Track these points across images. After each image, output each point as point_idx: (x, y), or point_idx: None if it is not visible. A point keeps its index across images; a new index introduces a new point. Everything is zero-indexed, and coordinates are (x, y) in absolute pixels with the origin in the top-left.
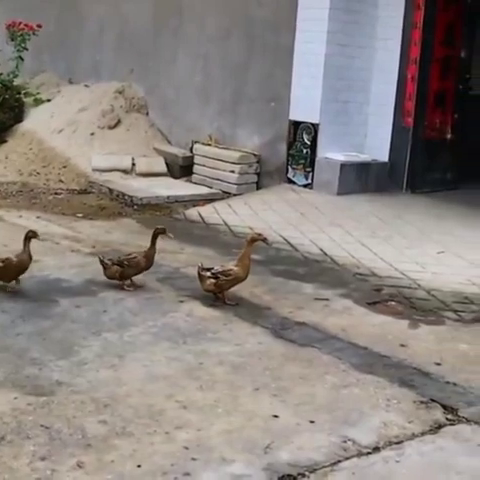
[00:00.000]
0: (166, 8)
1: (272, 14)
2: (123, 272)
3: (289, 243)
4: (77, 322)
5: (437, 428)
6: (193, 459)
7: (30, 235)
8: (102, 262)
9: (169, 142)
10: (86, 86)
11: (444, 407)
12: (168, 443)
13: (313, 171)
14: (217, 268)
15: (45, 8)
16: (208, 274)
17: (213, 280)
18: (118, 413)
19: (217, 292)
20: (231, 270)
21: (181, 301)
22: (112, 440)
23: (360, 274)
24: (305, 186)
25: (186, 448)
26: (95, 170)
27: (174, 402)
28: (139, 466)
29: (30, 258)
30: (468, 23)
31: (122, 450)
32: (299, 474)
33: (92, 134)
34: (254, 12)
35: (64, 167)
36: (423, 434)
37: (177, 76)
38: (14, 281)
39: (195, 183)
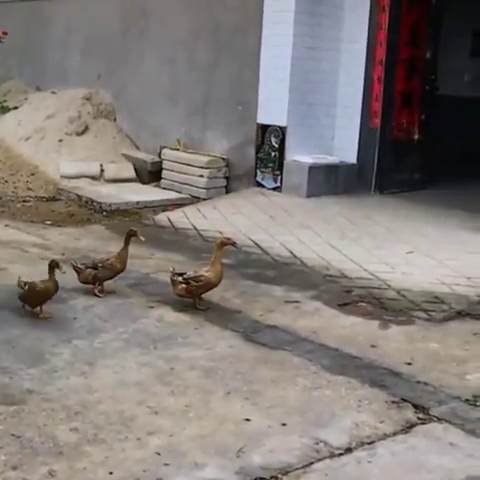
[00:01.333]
0: (132, 12)
1: (239, 17)
2: (96, 275)
3: (259, 246)
4: (47, 330)
5: (409, 428)
6: (165, 464)
7: (53, 265)
8: (75, 267)
9: (137, 147)
10: (53, 93)
11: (415, 406)
12: (140, 449)
13: (282, 174)
14: (189, 273)
15: (11, 15)
16: (180, 279)
17: (184, 285)
18: (89, 420)
19: (188, 297)
20: (202, 276)
21: (151, 307)
22: (84, 447)
23: (330, 276)
24: (274, 189)
25: (158, 454)
26: (63, 177)
27: (145, 408)
28: (111, 473)
29: (56, 287)
30: (433, 23)
31: (94, 457)
32: (272, 477)
33: (60, 141)
34: (221, 15)
35: (32, 174)
36: (395, 434)
37: (144, 81)
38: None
39: (164, 188)
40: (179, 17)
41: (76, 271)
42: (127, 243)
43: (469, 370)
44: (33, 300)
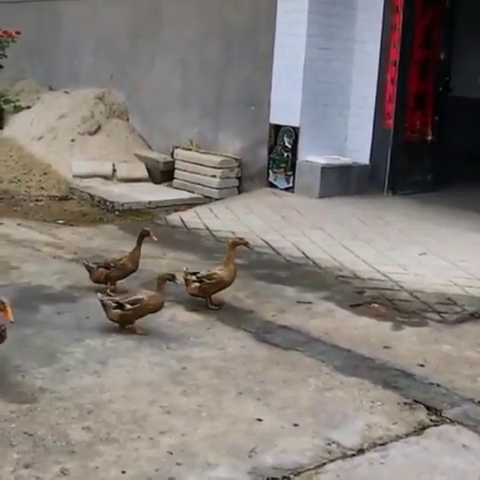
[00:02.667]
0: (144, 13)
1: (251, 18)
2: (109, 274)
3: (271, 247)
4: (59, 329)
5: (421, 429)
6: (177, 464)
7: (168, 277)
8: (87, 266)
9: (150, 147)
10: (66, 92)
11: (428, 408)
12: (152, 448)
13: (294, 174)
14: (202, 272)
15: (23, 15)
16: (193, 278)
17: (197, 284)
18: (102, 419)
19: (201, 296)
20: (215, 274)
21: (164, 307)
22: (96, 446)
23: (342, 276)
24: (286, 190)
25: (170, 453)
26: (76, 176)
27: (158, 407)
28: (124, 472)
29: (163, 301)
30: (447, 25)
31: (106, 456)
32: (284, 477)
33: (72, 140)
34: (232, 16)
35: (45, 174)
36: (407, 435)
37: (156, 81)
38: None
39: (176, 188)
40: (191, 18)
41: (88, 270)
42: (140, 243)
43: None
44: (140, 315)
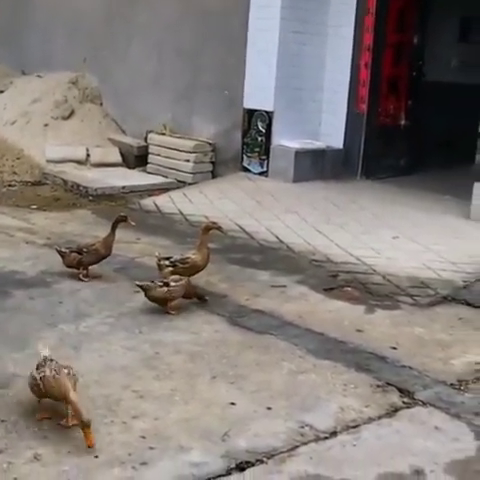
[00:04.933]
0: None
1: (225, 2)
2: (81, 260)
3: (245, 231)
4: (32, 314)
5: (393, 411)
6: (151, 448)
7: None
8: (60, 252)
9: (124, 132)
10: (39, 77)
11: (400, 391)
12: (125, 433)
13: (268, 159)
14: (176, 257)
15: None
16: (166, 263)
17: (171, 268)
18: None
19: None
20: (189, 258)
21: (137, 291)
22: (69, 431)
23: (316, 260)
24: (260, 174)
25: (143, 437)
26: (49, 161)
27: (131, 392)
28: (96, 456)
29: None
30: (420, 9)
31: (79, 441)
32: (257, 460)
33: (46, 125)
34: (207, 0)
35: (18, 159)
36: (380, 418)
37: (130, 65)
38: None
39: (150, 173)
40: (166, 1)
41: (61, 255)
42: (114, 228)
43: (454, 355)
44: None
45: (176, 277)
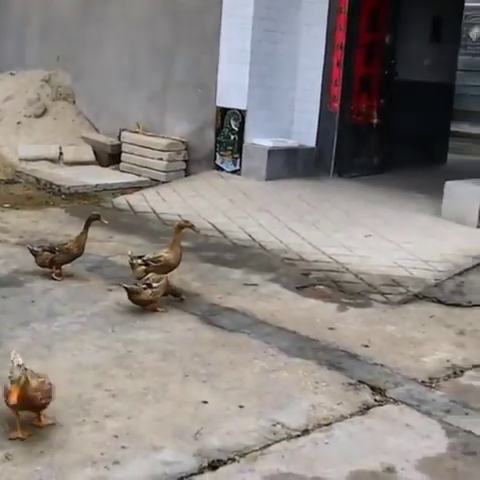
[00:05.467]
0: None
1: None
2: (53, 259)
3: (218, 229)
4: (4, 313)
5: (365, 409)
6: (123, 447)
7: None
8: (32, 250)
9: (97, 130)
10: (11, 74)
11: (372, 388)
12: (97, 432)
13: (241, 157)
14: (148, 255)
15: None
16: (139, 261)
17: (143, 267)
18: None
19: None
20: (161, 256)
21: (110, 290)
22: (41, 431)
23: (288, 259)
24: (233, 172)
25: (116, 436)
26: (22, 160)
27: (103, 391)
28: (68, 456)
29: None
30: (393, 8)
31: (51, 440)
32: (229, 459)
33: (18, 123)
34: None
35: None
36: (352, 415)
37: (104, 63)
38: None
39: (123, 171)
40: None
41: (33, 254)
42: (87, 227)
43: (425, 352)
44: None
45: (156, 277)
